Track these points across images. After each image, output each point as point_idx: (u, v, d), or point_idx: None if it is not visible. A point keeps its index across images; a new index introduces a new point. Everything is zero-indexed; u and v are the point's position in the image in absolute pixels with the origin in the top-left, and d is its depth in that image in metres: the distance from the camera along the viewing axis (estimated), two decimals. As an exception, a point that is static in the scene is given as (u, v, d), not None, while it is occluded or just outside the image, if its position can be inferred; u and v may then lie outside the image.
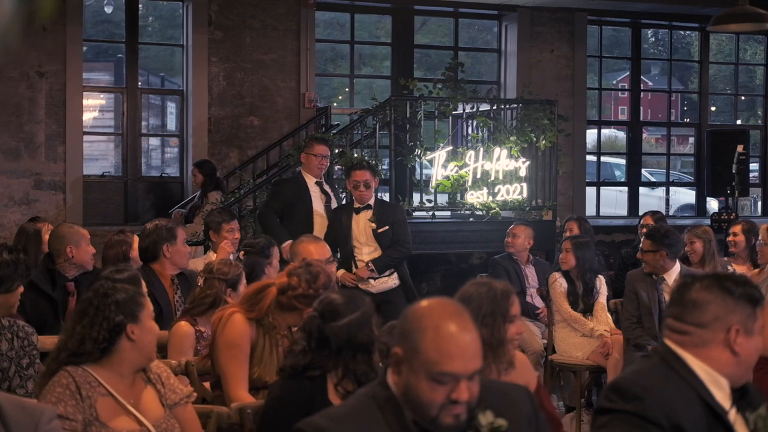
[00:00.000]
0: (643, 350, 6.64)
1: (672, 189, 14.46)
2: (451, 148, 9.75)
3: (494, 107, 10.06)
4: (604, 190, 13.67)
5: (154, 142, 12.36)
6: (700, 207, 13.59)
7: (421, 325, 2.57)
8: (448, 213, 10.12)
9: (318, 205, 8.20)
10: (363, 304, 3.57)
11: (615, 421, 2.71)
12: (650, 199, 14.11)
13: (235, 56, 11.19)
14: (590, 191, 13.01)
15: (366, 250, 7.85)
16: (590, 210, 13.32)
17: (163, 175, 11.66)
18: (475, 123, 9.97)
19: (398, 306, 7.23)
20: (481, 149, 9.76)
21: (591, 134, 13.50)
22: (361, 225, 7.88)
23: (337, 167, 9.59)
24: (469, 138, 9.89)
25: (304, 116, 11.34)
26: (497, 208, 9.78)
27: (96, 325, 3.46)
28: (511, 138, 9.86)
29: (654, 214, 8.84)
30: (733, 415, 2.83)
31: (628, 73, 13.88)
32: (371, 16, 13.06)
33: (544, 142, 9.92)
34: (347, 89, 12.90)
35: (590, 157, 13.24)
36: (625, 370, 3.03)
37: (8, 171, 10.45)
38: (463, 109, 9.97)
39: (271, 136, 11.23)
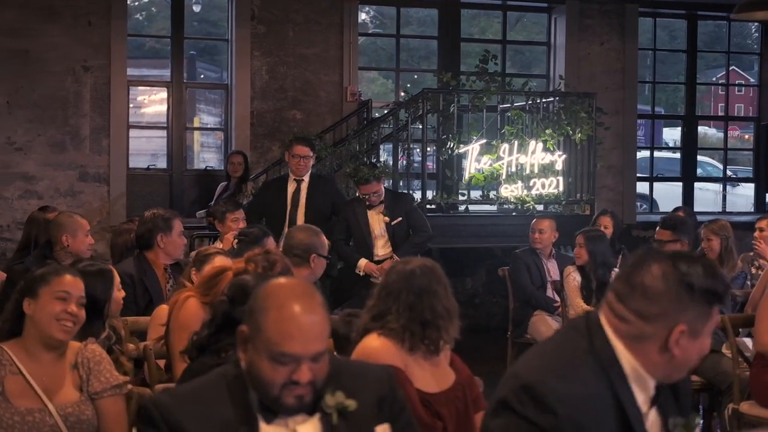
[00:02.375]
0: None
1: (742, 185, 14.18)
2: (485, 141, 9.68)
3: (530, 101, 9.93)
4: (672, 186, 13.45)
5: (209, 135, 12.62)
6: (759, 203, 13.21)
7: (266, 304, 2.56)
8: (484, 206, 10.09)
9: (293, 197, 8.33)
10: None
11: (519, 428, 2.41)
12: (708, 195, 13.85)
13: (278, 50, 11.26)
14: (663, 186, 12.88)
15: (380, 243, 8.08)
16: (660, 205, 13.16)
17: (207, 168, 11.81)
18: (509, 116, 9.87)
19: None
20: (516, 142, 9.66)
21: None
22: (375, 218, 8.15)
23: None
24: (503, 131, 9.78)
25: (347, 110, 11.36)
26: (532, 202, 9.69)
27: (8, 302, 3.58)
28: (547, 131, 9.74)
29: (685, 210, 8.65)
30: (652, 417, 2.58)
31: (727, 69, 13.65)
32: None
33: (579, 135, 9.77)
34: (409, 84, 12.96)
35: (669, 154, 13.07)
36: (544, 359, 2.53)
37: (54, 163, 10.69)
38: (498, 102, 9.88)
39: (314, 129, 11.22)
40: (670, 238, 6.61)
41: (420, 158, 10.17)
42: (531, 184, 9.72)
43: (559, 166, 9.80)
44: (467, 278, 11.75)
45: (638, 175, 12.60)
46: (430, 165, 10.96)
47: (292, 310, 2.52)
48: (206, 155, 13.69)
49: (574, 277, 7.39)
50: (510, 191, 9.68)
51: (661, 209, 13.11)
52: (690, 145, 13.09)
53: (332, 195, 8.63)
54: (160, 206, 11.12)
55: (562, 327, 2.71)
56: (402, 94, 9.90)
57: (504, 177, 9.66)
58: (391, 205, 8.17)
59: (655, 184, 13.24)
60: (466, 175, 9.63)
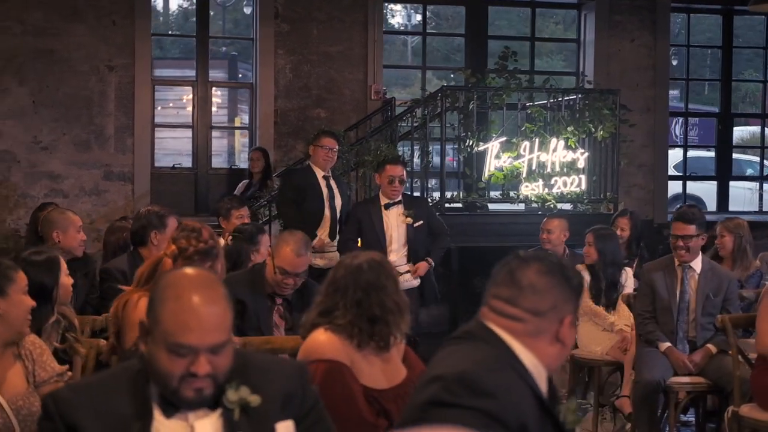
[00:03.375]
0: (653, 346, 6.36)
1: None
2: (505, 139, 9.56)
3: (551, 98, 9.79)
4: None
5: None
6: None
7: (165, 294, 2.52)
8: (507, 205, 9.98)
9: (326, 197, 8.03)
10: None
11: (460, 417, 2.40)
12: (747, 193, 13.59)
13: (302, 49, 11.24)
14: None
15: (394, 247, 7.72)
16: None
17: (233, 166, 11.82)
18: (529, 113, 9.75)
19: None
20: (537, 140, 9.53)
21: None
22: (393, 220, 7.75)
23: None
24: (523, 129, 9.65)
25: (372, 108, 11.30)
26: (553, 201, 9.55)
27: None
28: (569, 128, 9.60)
29: (694, 206, 8.41)
30: None
31: (765, 65, 13.35)
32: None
33: (602, 132, 9.61)
34: (446, 81, 12.87)
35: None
36: (464, 359, 2.60)
37: (79, 162, 10.77)
38: (519, 100, 9.76)
39: (339, 128, 11.13)
40: (695, 233, 6.41)
41: (444, 156, 10.05)
42: (552, 182, 9.59)
43: (581, 164, 9.65)
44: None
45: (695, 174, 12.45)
46: (454, 162, 10.89)
47: (189, 301, 2.47)
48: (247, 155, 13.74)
49: (583, 276, 7.24)
50: (531, 189, 9.56)
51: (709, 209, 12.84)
52: (725, 143, 12.83)
53: (350, 197, 8.45)
54: (185, 205, 11.27)
55: (454, 339, 2.69)
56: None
57: (524, 175, 9.53)
58: (411, 207, 7.79)
59: (704, 184, 13.01)
60: (486, 173, 9.51)
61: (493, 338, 2.59)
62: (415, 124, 9.70)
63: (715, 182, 12.85)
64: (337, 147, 8.20)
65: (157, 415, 2.51)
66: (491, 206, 9.97)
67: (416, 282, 7.73)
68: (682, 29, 13.04)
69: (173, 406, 2.52)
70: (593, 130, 9.62)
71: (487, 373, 2.47)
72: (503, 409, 2.42)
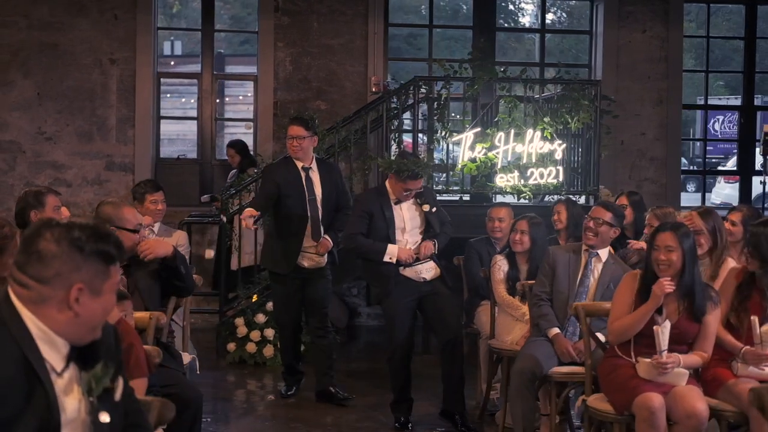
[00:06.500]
0: (543, 332, 6.23)
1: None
2: (479, 129, 9.45)
3: (529, 90, 9.62)
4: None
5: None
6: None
7: None
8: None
9: (306, 193, 7.58)
10: None
11: None
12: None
13: (302, 41, 11.33)
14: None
15: (411, 240, 7.08)
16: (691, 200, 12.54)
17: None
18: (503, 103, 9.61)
19: (443, 296, 7.12)
20: (512, 131, 9.38)
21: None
22: (406, 213, 7.10)
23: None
24: (496, 119, 9.53)
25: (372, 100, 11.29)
26: (528, 192, 9.40)
27: None
28: (545, 119, 9.43)
29: (631, 195, 8.14)
30: (68, 376, 2.71)
31: None
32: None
33: (576, 123, 9.40)
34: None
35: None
36: None
37: (82, 153, 11.12)
38: (494, 90, 9.64)
39: (339, 120, 11.22)
40: (610, 220, 6.29)
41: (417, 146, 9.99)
42: (528, 173, 9.43)
43: (558, 156, 9.47)
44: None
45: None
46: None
47: None
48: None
49: (500, 267, 7.12)
50: (506, 181, 9.42)
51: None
52: (748, 137, 12.38)
53: (339, 185, 7.80)
54: (191, 194, 11.48)
55: None
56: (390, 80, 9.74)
57: (499, 166, 9.40)
58: (422, 195, 7.09)
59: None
60: (459, 164, 9.42)
61: (6, 303, 2.68)
62: (388, 115, 9.65)
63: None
64: (304, 133, 7.53)
65: None
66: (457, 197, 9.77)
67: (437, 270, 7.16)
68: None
69: None
70: (569, 121, 9.42)
71: None
72: None
